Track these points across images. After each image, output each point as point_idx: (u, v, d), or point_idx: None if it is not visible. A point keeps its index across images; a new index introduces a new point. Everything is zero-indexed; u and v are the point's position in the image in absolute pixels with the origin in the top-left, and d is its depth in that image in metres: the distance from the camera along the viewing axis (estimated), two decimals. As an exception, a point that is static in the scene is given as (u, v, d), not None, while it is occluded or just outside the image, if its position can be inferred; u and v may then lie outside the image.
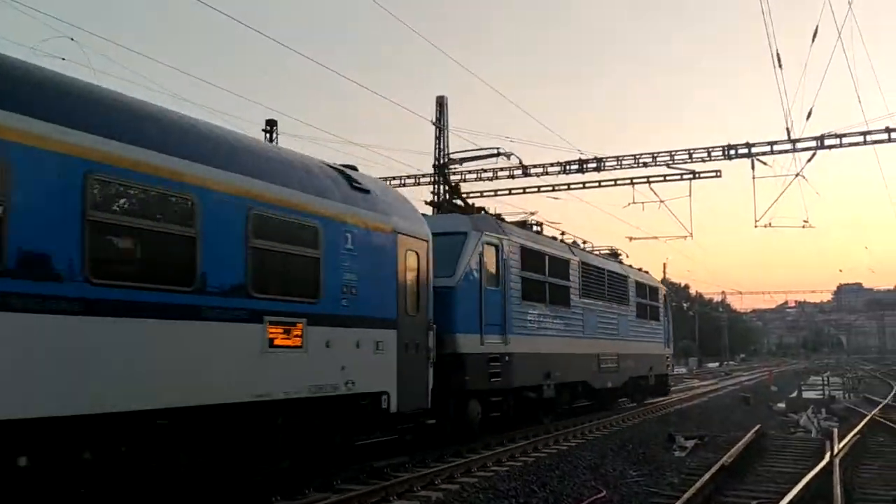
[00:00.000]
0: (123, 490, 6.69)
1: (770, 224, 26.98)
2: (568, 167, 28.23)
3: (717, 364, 74.31)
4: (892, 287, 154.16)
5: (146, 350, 6.59)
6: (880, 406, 22.40)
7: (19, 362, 5.63)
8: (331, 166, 9.94)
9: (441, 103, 34.40)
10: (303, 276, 8.46)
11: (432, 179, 32.15)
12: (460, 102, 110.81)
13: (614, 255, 21.10)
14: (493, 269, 12.83)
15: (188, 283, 7.04)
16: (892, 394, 29.26)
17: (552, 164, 28.32)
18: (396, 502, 8.80)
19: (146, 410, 6.61)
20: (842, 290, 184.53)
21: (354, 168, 10.53)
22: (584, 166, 27.92)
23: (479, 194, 31.12)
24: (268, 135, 33.46)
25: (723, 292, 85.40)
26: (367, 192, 9.87)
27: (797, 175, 26.17)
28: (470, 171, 30.48)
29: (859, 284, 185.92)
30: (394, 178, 32.09)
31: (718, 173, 27.05)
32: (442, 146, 33.91)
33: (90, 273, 6.17)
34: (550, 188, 28.80)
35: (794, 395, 26.90)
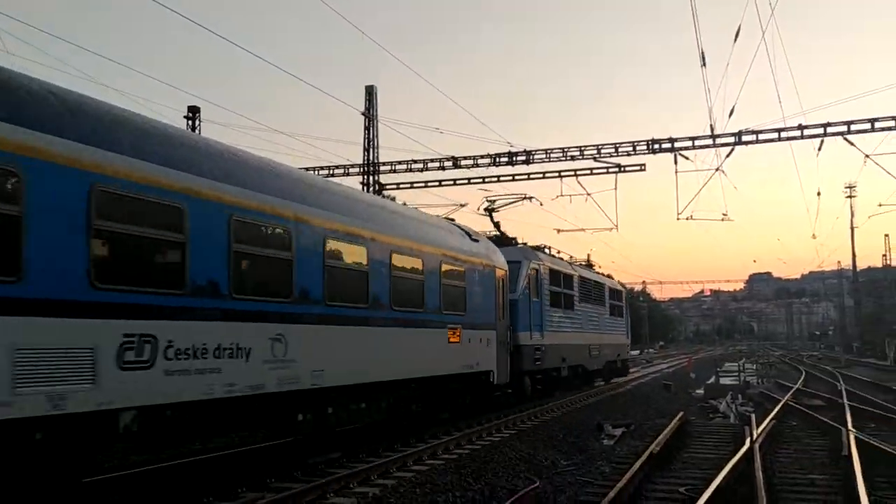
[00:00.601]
0: (380, 425, 12.23)
1: (691, 217, 28.38)
2: (498, 159, 28.53)
3: (637, 352, 76.59)
4: (799, 276, 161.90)
5: (405, 345, 11.56)
6: (792, 391, 23.36)
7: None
8: (457, 226, 15.14)
9: (371, 93, 34.02)
10: (460, 300, 13.61)
11: (362, 170, 31.91)
12: (390, 93, 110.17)
13: (590, 265, 28.50)
14: (535, 286, 18.25)
15: (422, 306, 12.10)
16: (801, 379, 30.69)
17: (482, 157, 28.69)
18: (332, 499, 8.70)
19: (405, 380, 11.65)
20: (753, 279, 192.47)
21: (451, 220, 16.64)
22: (514, 159, 28.30)
23: (409, 185, 31.30)
24: (190, 122, 32.52)
25: (643, 282, 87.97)
26: (477, 241, 15.07)
27: (717, 169, 27.29)
28: (400, 162, 30.50)
29: (769, 274, 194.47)
30: (322, 168, 31.66)
31: (643, 167, 27.84)
32: (371, 136, 33.61)
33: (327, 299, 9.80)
34: (481, 180, 29.16)
35: (712, 381, 27.87)
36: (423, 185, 29.52)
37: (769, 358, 52.95)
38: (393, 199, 37.95)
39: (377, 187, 31.25)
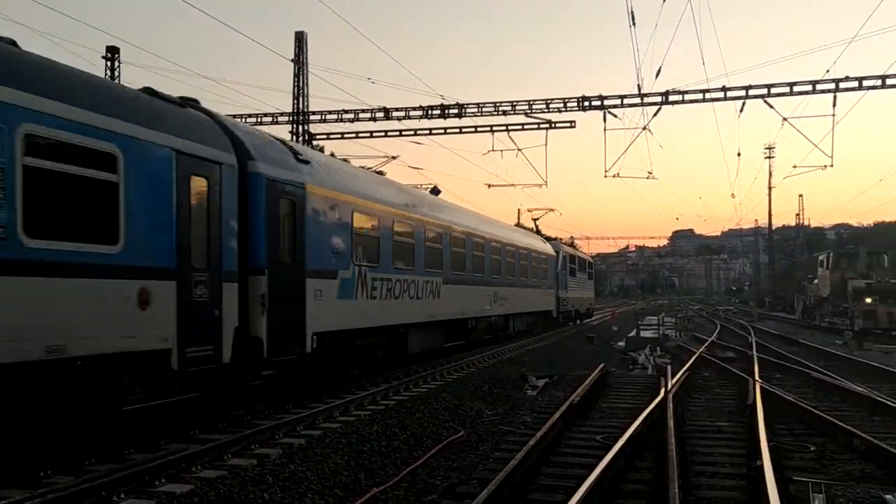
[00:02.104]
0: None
1: (618, 174, 28.63)
2: (430, 112, 28.32)
3: (564, 306, 78.16)
4: (719, 233, 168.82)
5: (525, 296, 25.98)
6: (706, 344, 24.30)
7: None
8: (535, 231, 33.18)
9: (301, 39, 33.11)
10: (541, 273, 28.21)
11: (291, 119, 31.14)
12: (322, 41, 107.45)
13: (572, 244, 47.02)
14: (562, 264, 32.60)
15: (528, 277, 26.31)
16: (716, 332, 31.97)
17: (415, 109, 28.39)
18: (258, 450, 8.70)
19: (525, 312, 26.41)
20: (676, 236, 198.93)
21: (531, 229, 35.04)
22: (446, 112, 28.14)
23: (339, 136, 30.78)
24: (108, 63, 31.00)
25: (571, 237, 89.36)
26: (545, 242, 30.89)
27: (644, 128, 27.68)
28: (331, 112, 29.88)
29: (691, 231, 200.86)
30: (249, 117, 30.76)
31: (573, 124, 28.08)
32: (301, 84, 32.79)
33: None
34: (412, 132, 28.99)
35: (633, 334, 28.67)
36: (353, 135, 29.08)
37: (688, 312, 54.60)
38: (321, 149, 37.41)
39: (307, 137, 30.72)
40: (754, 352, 20.73)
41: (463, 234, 19.51)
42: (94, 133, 7.48)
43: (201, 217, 9.08)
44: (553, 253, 33.14)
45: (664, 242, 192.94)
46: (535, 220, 37.52)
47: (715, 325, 39.36)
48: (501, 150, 28.34)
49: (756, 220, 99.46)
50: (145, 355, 8.13)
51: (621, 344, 26.50)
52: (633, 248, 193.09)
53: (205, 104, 10.49)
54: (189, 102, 9.92)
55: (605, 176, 28.33)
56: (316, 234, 11.64)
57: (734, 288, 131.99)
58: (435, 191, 20.18)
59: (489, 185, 37.13)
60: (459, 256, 19.28)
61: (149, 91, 9.22)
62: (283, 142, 11.87)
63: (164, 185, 8.44)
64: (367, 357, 14.20)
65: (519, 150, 27.63)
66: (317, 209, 11.70)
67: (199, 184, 9.05)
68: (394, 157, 19.82)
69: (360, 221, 13.39)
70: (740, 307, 75.56)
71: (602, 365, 16.76)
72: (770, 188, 68.67)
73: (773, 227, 73.48)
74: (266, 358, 10.11)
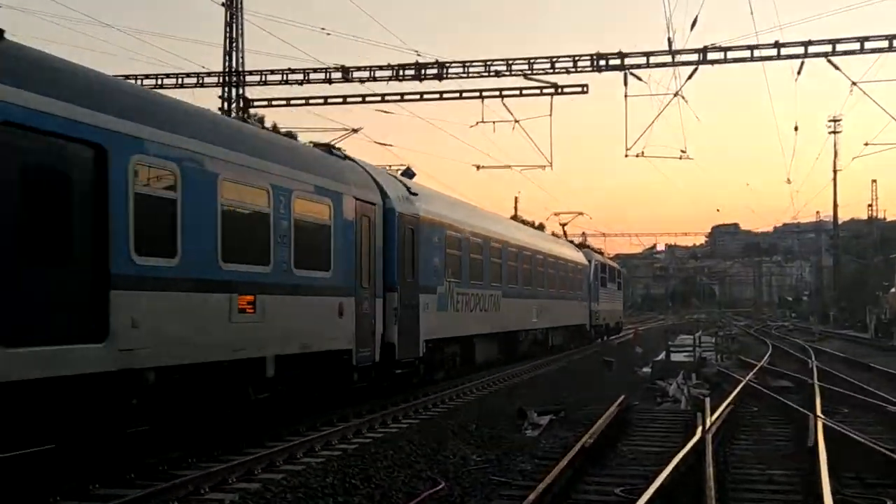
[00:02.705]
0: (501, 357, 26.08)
1: (643, 154, 28.70)
2: (401, 72, 28.16)
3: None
4: (770, 229, 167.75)
5: (560, 309, 33.05)
6: (755, 370, 24.50)
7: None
8: (569, 241, 42.88)
9: (234, -23, 32.90)
10: (577, 285, 36.69)
11: (221, 80, 30.86)
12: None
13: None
14: (595, 274, 39.47)
15: (567, 289, 34.47)
16: (767, 355, 32.10)
17: (381, 68, 28.20)
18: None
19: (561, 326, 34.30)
20: (716, 233, 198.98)
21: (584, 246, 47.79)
22: (423, 72, 28.02)
23: (284, 102, 30.51)
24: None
25: (583, 234, 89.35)
26: (578, 251, 39.73)
27: (675, 95, 27.52)
28: (273, 72, 29.75)
29: (736, 226, 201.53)
30: (167, 77, 30.46)
31: (585, 88, 27.97)
32: (234, 35, 32.56)
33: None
34: (379, 98, 28.74)
35: (662, 357, 29.09)
36: (302, 102, 28.98)
37: (731, 329, 55.15)
38: (262, 118, 37.19)
39: (241, 105, 30.44)
40: (815, 380, 20.88)
41: (516, 247, 26.44)
42: (324, 192, 14.01)
43: (365, 246, 15.47)
44: (586, 262, 39.21)
45: (701, 241, 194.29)
46: (562, 224, 44.00)
47: (766, 345, 39.71)
48: (494, 123, 28.20)
49: (818, 213, 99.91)
50: (340, 353, 14.47)
51: (646, 370, 26.71)
52: (662, 248, 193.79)
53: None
54: (343, 152, 16.58)
55: (627, 155, 27.99)
56: (425, 255, 18.35)
57: (790, 298, 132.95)
58: (408, 173, 20.12)
59: (478, 167, 37.18)
60: (513, 270, 25.92)
61: (325, 147, 16.22)
62: (395, 177, 18.79)
63: (350, 225, 14.91)
64: (450, 363, 20.93)
65: (516, 121, 27.55)
66: (425, 234, 18.40)
67: (364, 222, 15.54)
68: (354, 131, 19.71)
69: (450, 242, 20.22)
70: (798, 323, 76.04)
71: (623, 397, 16.81)
72: (835, 171, 69.19)
73: (840, 222, 74.32)
74: (397, 360, 16.47)
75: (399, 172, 20.51)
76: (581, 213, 56.08)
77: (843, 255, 78.00)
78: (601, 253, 52.42)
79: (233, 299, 11.46)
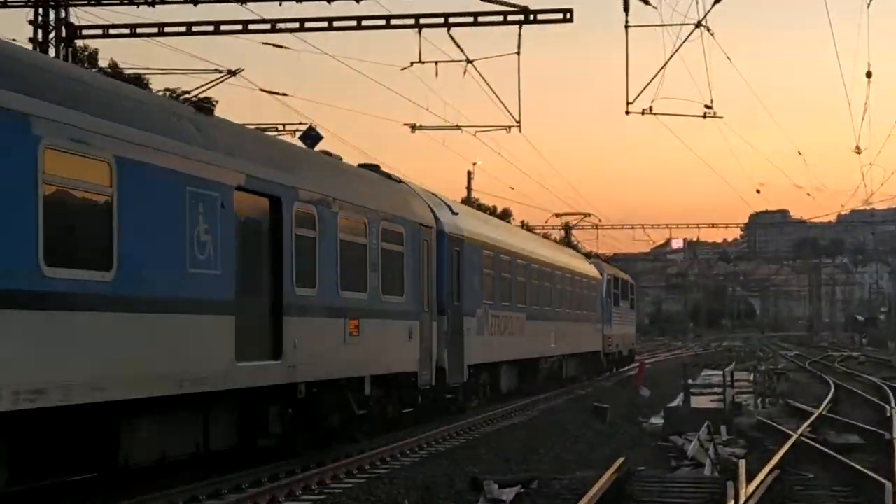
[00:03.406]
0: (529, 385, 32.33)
1: (651, 109, 27.86)
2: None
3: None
4: (834, 219, 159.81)
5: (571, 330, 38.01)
6: (810, 420, 24.30)
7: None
8: (582, 253, 56.84)
9: None
10: (590, 304, 42.77)
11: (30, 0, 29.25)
12: None
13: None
14: (607, 290, 45.09)
15: (579, 309, 40.58)
16: (828, 398, 31.84)
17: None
18: None
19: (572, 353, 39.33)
20: (756, 223, 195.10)
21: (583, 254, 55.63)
22: (331, -11, 27.07)
23: (128, 31, 28.60)
24: None
25: (566, 224, 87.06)
26: (591, 264, 47.37)
27: (698, 24, 26.46)
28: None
29: (784, 213, 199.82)
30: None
31: (568, 15, 26.30)
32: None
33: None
34: (268, 26, 27.09)
35: (679, 402, 28.56)
36: (155, 31, 27.30)
37: (778, 362, 53.86)
38: (94, 54, 36.18)
39: (64, 34, 28.71)
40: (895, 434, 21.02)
41: (538, 263, 31.93)
42: (398, 220, 19.72)
43: (425, 271, 20.96)
44: (598, 276, 43.54)
45: (735, 235, 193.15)
46: (566, 229, 55.02)
47: (826, 385, 39.90)
48: (436, 63, 27.28)
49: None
50: (409, 375, 20.03)
51: (656, 421, 26.87)
52: (679, 246, 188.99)
53: None
54: (396, 177, 22.39)
55: (628, 112, 27.35)
56: (468, 277, 23.77)
57: (861, 318, 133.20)
58: (311, 135, 19.40)
59: (413, 127, 35.86)
60: (534, 289, 31.20)
61: (374, 168, 21.78)
62: (438, 197, 23.67)
63: (416, 250, 20.33)
64: (483, 390, 26.53)
65: (469, 62, 27.12)
66: (467, 255, 23.72)
67: (424, 246, 21.00)
68: (232, 73, 18.55)
69: (486, 262, 25.62)
70: (871, 353, 75.44)
71: (622, 460, 16.60)
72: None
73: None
74: (445, 383, 22.08)
75: (298, 136, 20.20)
76: (589, 215, 59.91)
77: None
78: (599, 258, 55.88)
79: (346, 324, 17.27)
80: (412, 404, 20.95)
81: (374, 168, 21.74)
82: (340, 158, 21.05)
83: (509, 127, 29.36)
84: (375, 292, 18.38)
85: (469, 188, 65.90)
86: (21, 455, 10.68)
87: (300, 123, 29.06)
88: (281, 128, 28.83)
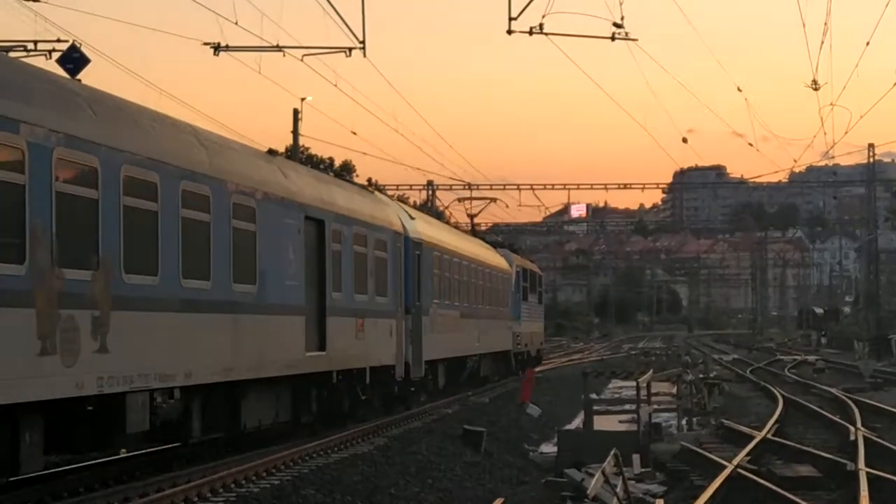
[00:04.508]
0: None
1: (541, 28, 28.39)
2: None
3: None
4: (785, 178, 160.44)
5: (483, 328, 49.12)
6: (751, 444, 24.71)
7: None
8: (504, 250, 62.70)
9: None
10: (503, 299, 58.21)
11: None
12: None
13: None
14: (517, 283, 58.91)
15: (495, 305, 52.73)
16: (775, 416, 32.17)
17: None
18: None
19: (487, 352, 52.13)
20: (684, 183, 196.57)
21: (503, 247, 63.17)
22: None
23: None
24: None
25: (428, 183, 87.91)
26: (510, 263, 59.30)
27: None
28: None
29: (721, 169, 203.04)
30: None
31: None
32: None
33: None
34: None
35: (577, 425, 30.43)
36: None
37: (710, 369, 52.12)
38: None
39: None
40: (861, 463, 20.72)
41: (468, 260, 43.08)
42: (382, 230, 33.24)
43: (399, 273, 32.84)
44: (509, 268, 52.47)
45: (656, 199, 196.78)
46: (471, 216, 62.51)
47: (773, 398, 40.33)
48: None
49: (870, 146, 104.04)
50: (388, 368, 31.30)
51: (547, 449, 27.69)
52: (580, 213, 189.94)
53: None
54: (371, 188, 36.64)
55: (511, 31, 28.44)
56: (426, 278, 35.38)
57: (819, 310, 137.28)
58: (72, 58, 19.83)
59: (216, 48, 35.82)
60: (464, 286, 43.45)
61: (373, 186, 39.89)
62: (398, 203, 36.32)
63: (394, 255, 33.30)
64: (431, 386, 38.63)
65: None
66: (425, 257, 35.20)
67: (399, 250, 33.45)
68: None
69: (435, 262, 37.60)
70: (833, 356, 75.50)
71: (499, 503, 17.16)
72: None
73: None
74: (407, 377, 32.47)
75: (56, 59, 20.72)
76: (495, 200, 69.81)
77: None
78: (504, 246, 64.77)
79: (356, 322, 26.89)
80: (391, 394, 31.74)
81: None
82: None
83: (350, 49, 30.89)
84: (373, 294, 28.59)
85: (295, 132, 63.06)
86: (204, 413, 20.41)
87: (58, 41, 29.71)
88: (32, 46, 29.08)
